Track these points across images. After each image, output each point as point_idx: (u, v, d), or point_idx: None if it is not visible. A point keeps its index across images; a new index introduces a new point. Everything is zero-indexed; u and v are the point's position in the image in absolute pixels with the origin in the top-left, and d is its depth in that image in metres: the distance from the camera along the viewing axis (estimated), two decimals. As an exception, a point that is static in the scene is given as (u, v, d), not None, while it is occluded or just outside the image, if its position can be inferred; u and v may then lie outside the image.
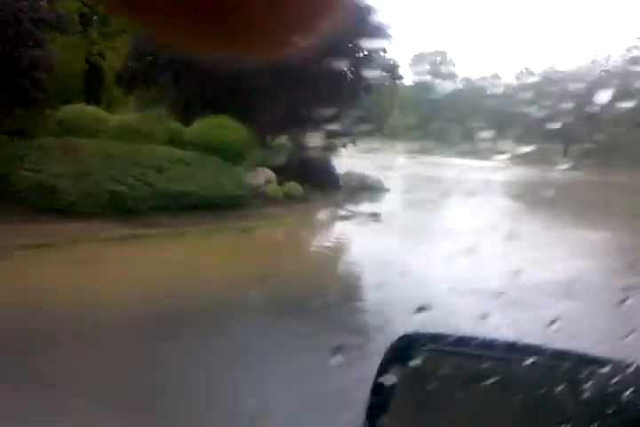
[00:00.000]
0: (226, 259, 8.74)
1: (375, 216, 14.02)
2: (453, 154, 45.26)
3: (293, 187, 15.47)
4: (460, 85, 69.46)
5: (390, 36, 17.74)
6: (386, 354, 1.15)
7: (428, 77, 71.60)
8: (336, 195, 16.50)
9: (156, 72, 17.01)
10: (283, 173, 16.50)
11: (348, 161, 28.17)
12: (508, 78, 62.06)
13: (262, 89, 16.50)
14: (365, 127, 21.47)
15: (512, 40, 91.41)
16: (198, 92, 16.68)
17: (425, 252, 9.76)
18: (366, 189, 18.58)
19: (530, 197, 20.74)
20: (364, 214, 14.19)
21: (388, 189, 19.74)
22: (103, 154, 12.75)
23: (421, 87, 67.38)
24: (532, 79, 52.25)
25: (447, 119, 58.99)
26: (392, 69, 18.24)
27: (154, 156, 13.53)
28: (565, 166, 28.53)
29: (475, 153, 42.87)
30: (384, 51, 17.82)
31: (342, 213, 14.14)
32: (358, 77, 17.38)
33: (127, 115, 15.69)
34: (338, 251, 10.55)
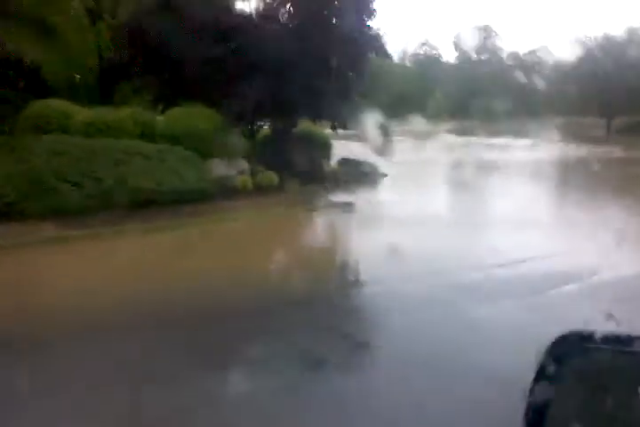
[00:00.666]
0: (110, 269, 7.89)
1: (347, 207, 12.98)
2: (492, 133, 43.11)
3: (267, 177, 14.56)
4: (508, 61, 66.37)
5: (374, 13, 16.45)
6: (545, 354, 1.15)
7: (473, 54, 68.81)
8: (320, 184, 15.50)
9: (131, 64, 16.42)
10: (263, 162, 15.65)
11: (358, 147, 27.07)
12: (559, 51, 58.45)
13: (240, 74, 15.64)
14: (376, 109, 20.12)
15: (561, 10, 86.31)
16: (172, 81, 15.98)
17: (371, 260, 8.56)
18: (360, 176, 17.47)
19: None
20: (338, 205, 13.18)
21: (384, 175, 18.58)
22: (52, 151, 12.25)
23: (465, 65, 64.81)
24: (579, 51, 49.05)
25: (491, 97, 56.46)
26: (377, 47, 16.90)
27: (111, 150, 12.92)
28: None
29: (515, 131, 40.76)
30: (369, 28, 16.50)
31: (313, 204, 13.16)
32: (343, 57, 16.21)
33: (98, 109, 15.12)
34: (250, 261, 8.57)
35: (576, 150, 29.07)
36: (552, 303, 6.42)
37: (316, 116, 17.03)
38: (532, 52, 62.51)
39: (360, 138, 39.91)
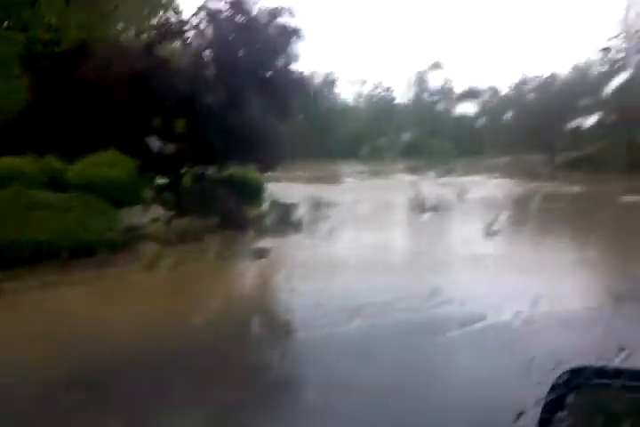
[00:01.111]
0: None
1: (261, 254, 12.37)
2: (444, 171, 43.40)
3: (180, 224, 13.94)
4: (458, 100, 68.05)
5: (296, 57, 16.39)
6: (552, 388, 1.16)
7: (426, 95, 70.39)
8: (242, 230, 14.91)
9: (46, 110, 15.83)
10: (185, 209, 15.07)
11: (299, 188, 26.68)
12: (505, 90, 59.91)
13: (160, 120, 15.22)
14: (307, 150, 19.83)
15: (508, 50, 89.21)
16: (86, 126, 15.42)
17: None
18: (286, 220, 16.94)
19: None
20: (250, 252, 12.57)
21: (320, 218, 18.11)
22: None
23: (418, 106, 66.10)
24: (525, 88, 50.41)
25: (442, 136, 57.39)
26: (301, 86, 16.75)
27: (7, 201, 12.19)
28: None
29: (464, 169, 41.13)
30: (287, 69, 16.34)
31: (223, 251, 12.53)
32: (264, 100, 15.92)
33: (4, 158, 14.43)
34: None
35: (517, 186, 29.23)
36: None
37: (241, 160, 16.61)
38: (483, 91, 64.12)
39: (309, 179, 39.71)
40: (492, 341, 6.53)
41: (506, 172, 38.12)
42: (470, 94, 65.03)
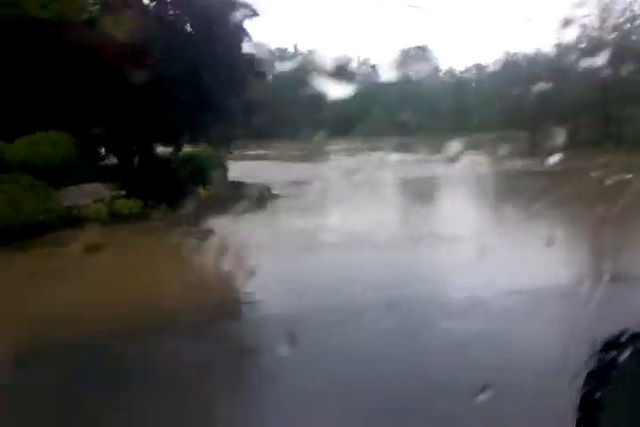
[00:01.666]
0: None
1: (203, 235, 11.99)
2: (431, 149, 42.88)
3: (124, 205, 13.49)
4: (446, 79, 67.44)
5: (247, 36, 15.82)
6: (595, 354, 1.12)
7: (413, 73, 69.50)
8: (188, 210, 14.46)
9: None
10: (133, 189, 14.62)
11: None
12: (490, 68, 59.01)
13: (101, 98, 14.66)
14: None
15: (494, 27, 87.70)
16: (25, 105, 14.86)
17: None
18: (246, 199, 16.51)
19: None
20: (194, 233, 12.17)
21: (277, 197, 17.72)
22: None
23: (404, 84, 65.26)
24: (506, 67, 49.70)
25: (429, 115, 56.83)
26: (252, 67, 16.18)
27: None
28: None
29: (449, 147, 40.62)
30: (239, 48, 15.78)
31: (167, 232, 12.15)
32: (217, 79, 15.36)
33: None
34: None
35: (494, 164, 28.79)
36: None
37: (192, 138, 16.11)
38: (468, 70, 63.37)
39: (289, 157, 39.05)
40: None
41: (489, 149, 37.63)
42: (452, 73, 64.31)
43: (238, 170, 24.64)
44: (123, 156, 15.88)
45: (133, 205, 13.53)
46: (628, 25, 29.52)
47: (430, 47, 67.45)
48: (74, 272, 8.40)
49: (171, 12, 15.49)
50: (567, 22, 23.54)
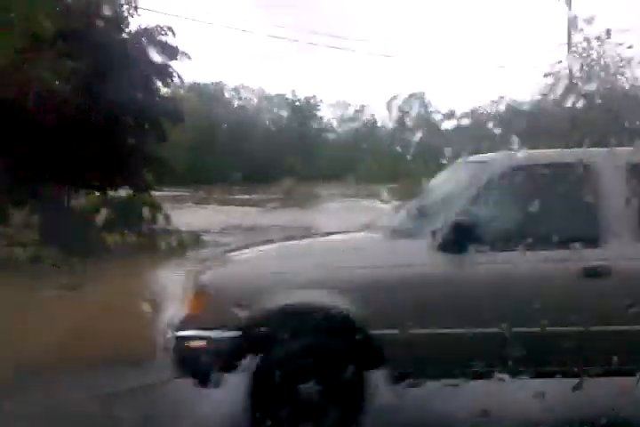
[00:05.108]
0: None
1: (73, 286, 11.29)
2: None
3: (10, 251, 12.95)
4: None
5: (171, 78, 15.63)
6: None
7: (408, 121, 70.00)
8: (90, 258, 13.87)
9: None
10: (43, 234, 14.20)
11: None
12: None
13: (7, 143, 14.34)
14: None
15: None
16: None
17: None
18: (154, 247, 15.94)
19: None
20: (65, 284, 11.48)
21: (201, 245, 17.13)
22: None
23: (397, 131, 65.62)
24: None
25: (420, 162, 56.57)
26: (173, 112, 15.92)
27: None
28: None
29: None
30: (157, 92, 15.57)
31: (37, 283, 11.51)
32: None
33: None
34: None
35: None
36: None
37: (108, 183, 15.66)
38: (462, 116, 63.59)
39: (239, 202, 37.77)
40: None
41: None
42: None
43: (189, 216, 24.14)
44: (33, 202, 15.45)
45: (19, 251, 12.98)
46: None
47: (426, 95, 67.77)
48: None
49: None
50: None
